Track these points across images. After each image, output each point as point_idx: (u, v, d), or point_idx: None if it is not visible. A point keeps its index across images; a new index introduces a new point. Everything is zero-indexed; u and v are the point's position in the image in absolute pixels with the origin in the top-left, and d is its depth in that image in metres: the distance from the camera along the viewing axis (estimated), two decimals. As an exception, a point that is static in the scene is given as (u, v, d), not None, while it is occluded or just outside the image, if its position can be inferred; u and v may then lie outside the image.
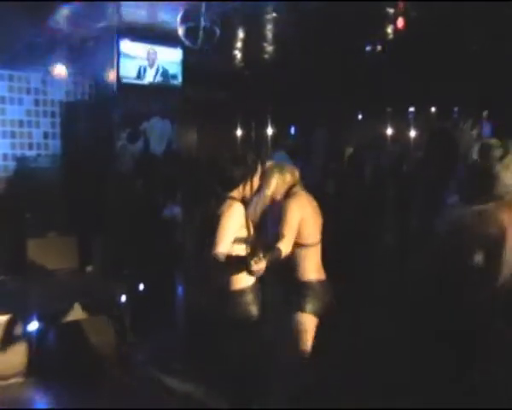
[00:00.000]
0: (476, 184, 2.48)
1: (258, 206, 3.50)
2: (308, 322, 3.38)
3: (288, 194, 3.57)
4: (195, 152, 8.99)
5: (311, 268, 3.46)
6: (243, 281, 3.17)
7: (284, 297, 3.52)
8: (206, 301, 3.38)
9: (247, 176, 3.31)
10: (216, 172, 3.31)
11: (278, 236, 3.29)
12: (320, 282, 3.46)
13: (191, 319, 5.19)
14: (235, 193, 3.30)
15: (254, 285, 3.22)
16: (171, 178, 6.36)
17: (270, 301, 3.44)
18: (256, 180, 3.37)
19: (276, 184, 3.60)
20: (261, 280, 3.23)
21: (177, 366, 4.81)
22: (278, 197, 3.59)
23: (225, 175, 3.28)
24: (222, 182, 3.30)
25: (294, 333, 3.39)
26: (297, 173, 3.68)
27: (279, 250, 3.18)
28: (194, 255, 3.23)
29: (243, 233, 3.22)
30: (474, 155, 2.51)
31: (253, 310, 3.18)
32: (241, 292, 3.17)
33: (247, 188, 3.34)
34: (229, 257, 3.11)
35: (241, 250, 3.19)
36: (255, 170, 3.36)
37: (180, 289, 5.50)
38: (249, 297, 3.17)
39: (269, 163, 3.71)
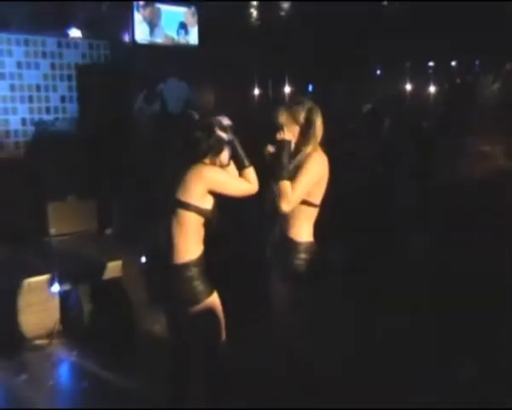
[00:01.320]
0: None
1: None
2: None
3: None
4: (212, 113, 8.91)
5: (307, 230, 3.13)
6: (187, 254, 2.87)
7: (274, 258, 3.20)
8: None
9: (214, 148, 2.90)
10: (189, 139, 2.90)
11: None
12: (311, 244, 3.13)
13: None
14: (208, 160, 2.92)
15: (199, 259, 2.91)
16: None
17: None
18: (226, 152, 2.94)
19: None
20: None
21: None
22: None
23: (193, 143, 2.89)
24: (189, 148, 2.92)
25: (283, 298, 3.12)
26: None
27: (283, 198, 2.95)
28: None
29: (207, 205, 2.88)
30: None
31: (199, 285, 2.87)
32: (185, 266, 2.86)
33: (223, 159, 2.94)
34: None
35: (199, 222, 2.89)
36: (221, 142, 2.91)
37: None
38: (194, 271, 2.86)
39: (297, 101, 3.20)
